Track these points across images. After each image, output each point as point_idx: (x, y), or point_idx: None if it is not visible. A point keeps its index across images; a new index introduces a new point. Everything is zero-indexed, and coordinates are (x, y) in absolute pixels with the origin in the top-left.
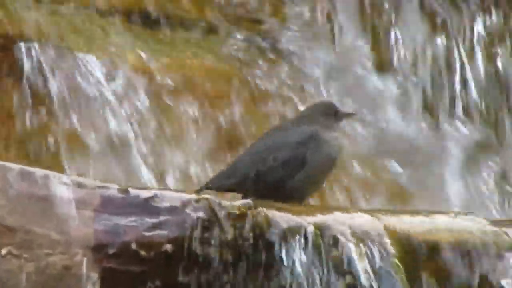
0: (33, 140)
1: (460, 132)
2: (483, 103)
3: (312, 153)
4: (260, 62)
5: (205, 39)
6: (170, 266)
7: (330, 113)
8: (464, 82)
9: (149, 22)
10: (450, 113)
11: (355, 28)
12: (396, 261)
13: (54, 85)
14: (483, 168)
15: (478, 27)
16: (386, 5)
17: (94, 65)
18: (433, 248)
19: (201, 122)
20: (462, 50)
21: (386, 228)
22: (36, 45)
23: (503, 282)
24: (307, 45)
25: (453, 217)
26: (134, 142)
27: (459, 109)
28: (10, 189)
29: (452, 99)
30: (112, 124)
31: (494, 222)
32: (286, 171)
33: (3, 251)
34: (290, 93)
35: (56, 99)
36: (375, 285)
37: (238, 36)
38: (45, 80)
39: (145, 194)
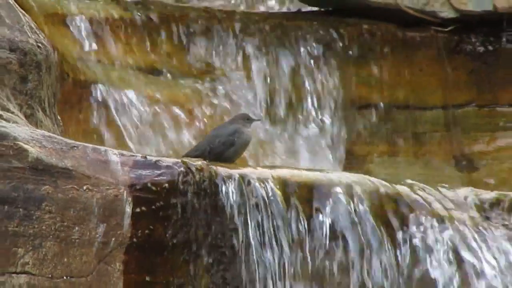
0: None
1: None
2: None
3: (237, 139)
4: None
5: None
6: (167, 195)
7: (246, 118)
8: None
9: (157, 73)
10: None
11: None
12: (279, 192)
13: (111, 103)
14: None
15: None
16: None
17: (130, 95)
18: (298, 185)
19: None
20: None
21: (273, 175)
22: (101, 86)
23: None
24: None
25: (313, 170)
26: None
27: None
28: (89, 157)
29: None
30: (141, 124)
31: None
32: (224, 148)
33: (84, 187)
34: None
35: (114, 111)
36: (268, 206)
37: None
38: (106, 104)
39: (154, 158)
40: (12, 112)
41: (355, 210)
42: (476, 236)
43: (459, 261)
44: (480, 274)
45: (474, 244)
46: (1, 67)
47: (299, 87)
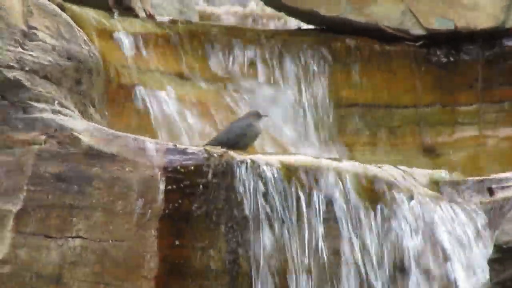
0: (136, 127)
1: None
2: None
3: (249, 131)
4: None
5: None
6: (192, 176)
7: (256, 114)
8: None
9: (184, 78)
10: None
11: None
12: (282, 173)
13: (148, 102)
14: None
15: None
16: None
17: (163, 95)
18: (298, 169)
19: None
20: None
21: (280, 161)
22: (140, 87)
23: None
24: None
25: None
26: (177, 126)
27: None
28: (130, 145)
29: None
30: (171, 119)
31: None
32: (238, 139)
33: (126, 169)
34: None
35: (149, 108)
36: (274, 184)
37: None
38: (143, 102)
39: (182, 146)
40: (69, 109)
41: (343, 189)
42: (438, 209)
43: (427, 232)
44: (442, 242)
45: (436, 216)
46: (60, 72)
47: (299, 88)
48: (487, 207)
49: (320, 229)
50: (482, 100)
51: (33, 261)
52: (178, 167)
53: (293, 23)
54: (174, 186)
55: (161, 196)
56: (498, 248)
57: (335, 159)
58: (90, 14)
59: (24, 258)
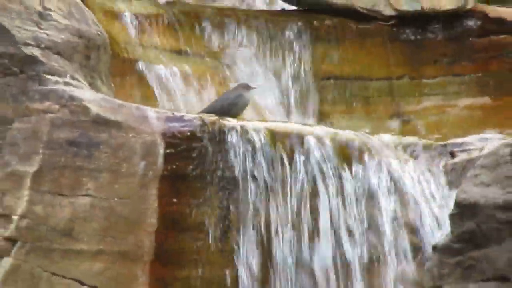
0: (138, 97)
1: None
2: None
3: (239, 101)
4: None
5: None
6: (189, 140)
7: (246, 86)
8: None
9: (181, 53)
10: None
11: None
12: (268, 138)
13: (148, 75)
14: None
15: None
16: None
17: (162, 68)
18: (282, 134)
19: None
20: None
21: (266, 127)
22: (141, 62)
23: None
24: None
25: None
26: (175, 96)
27: None
28: (133, 113)
29: None
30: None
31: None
32: (230, 107)
33: (130, 135)
34: None
35: (151, 80)
36: (260, 148)
37: None
38: (144, 75)
39: (180, 114)
40: (79, 81)
41: (322, 152)
42: (406, 170)
43: (398, 190)
44: (415, 201)
45: (405, 176)
46: (72, 49)
47: (283, 62)
48: (449, 168)
49: (302, 188)
50: (445, 74)
51: (48, 216)
52: (176, 133)
53: (279, 4)
54: (173, 150)
55: (160, 160)
56: (457, 204)
57: (315, 126)
58: None
59: (40, 213)
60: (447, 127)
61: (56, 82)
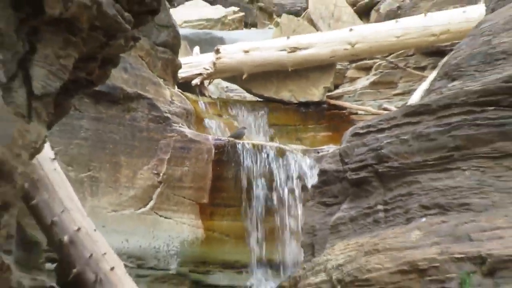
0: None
1: None
2: None
3: (241, 133)
4: None
5: None
6: (222, 148)
7: (244, 128)
8: None
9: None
10: None
11: None
12: (252, 147)
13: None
14: None
15: None
16: None
17: (213, 121)
18: (257, 145)
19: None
20: None
21: (252, 143)
22: (208, 119)
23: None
24: None
25: None
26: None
27: None
28: (203, 137)
29: None
30: None
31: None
32: (238, 135)
33: (202, 144)
34: None
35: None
36: (251, 152)
37: None
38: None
39: (219, 137)
40: (185, 126)
41: (272, 151)
42: (304, 159)
43: (299, 168)
44: (300, 171)
45: (303, 162)
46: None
47: (250, 123)
48: (317, 157)
49: (268, 167)
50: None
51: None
52: (218, 145)
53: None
54: (216, 151)
55: (213, 155)
56: (320, 174)
57: (269, 142)
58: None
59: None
60: (312, 143)
61: (180, 126)
